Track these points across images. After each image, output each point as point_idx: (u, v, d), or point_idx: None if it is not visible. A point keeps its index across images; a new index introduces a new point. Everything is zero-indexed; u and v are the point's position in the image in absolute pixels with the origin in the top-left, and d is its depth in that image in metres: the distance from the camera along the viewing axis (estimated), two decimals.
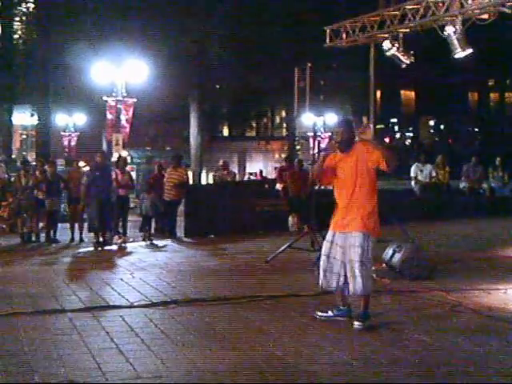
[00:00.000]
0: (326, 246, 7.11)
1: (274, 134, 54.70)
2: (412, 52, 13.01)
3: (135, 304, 7.97)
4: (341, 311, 7.22)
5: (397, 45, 12.66)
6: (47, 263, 12.09)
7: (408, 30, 12.48)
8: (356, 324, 6.89)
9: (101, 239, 14.20)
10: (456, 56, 11.67)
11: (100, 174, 14.42)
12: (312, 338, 6.50)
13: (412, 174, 19.96)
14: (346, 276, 6.92)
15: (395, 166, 6.93)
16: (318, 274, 7.16)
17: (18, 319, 7.22)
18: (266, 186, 19.81)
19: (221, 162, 20.60)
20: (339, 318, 7.18)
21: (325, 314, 7.29)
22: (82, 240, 15.01)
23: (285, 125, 53.51)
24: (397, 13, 12.20)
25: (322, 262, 7.10)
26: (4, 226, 16.27)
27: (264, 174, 38.17)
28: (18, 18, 38.29)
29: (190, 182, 21.91)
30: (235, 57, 33.06)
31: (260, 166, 48.95)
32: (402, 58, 12.85)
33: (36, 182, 15.05)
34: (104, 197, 14.26)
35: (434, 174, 19.54)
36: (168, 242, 15.05)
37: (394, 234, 11.43)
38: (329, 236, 7.11)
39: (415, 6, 11.74)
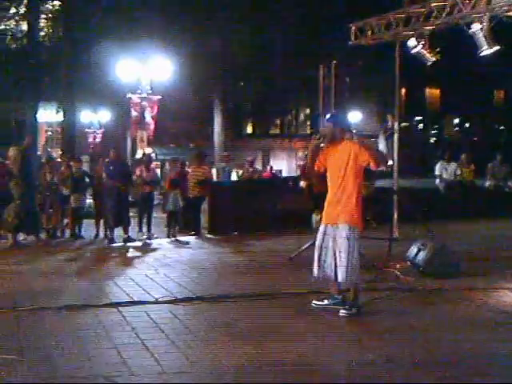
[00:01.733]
0: (319, 237, 7.44)
1: (298, 131, 54.51)
2: (438, 49, 12.92)
3: (160, 300, 8.01)
4: (335, 300, 7.49)
5: (422, 42, 12.57)
6: (72, 259, 12.16)
7: (434, 28, 12.38)
8: (341, 312, 7.22)
9: (120, 235, 14.28)
10: (482, 53, 11.57)
11: (114, 169, 14.50)
12: (335, 336, 6.50)
13: (437, 172, 19.85)
14: (335, 265, 7.24)
15: (383, 165, 7.29)
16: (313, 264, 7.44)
17: (43, 314, 7.29)
18: (290, 183, 19.76)
19: (249, 159, 20.66)
20: (334, 306, 7.39)
21: (320, 303, 7.56)
22: (106, 236, 15.09)
23: (309, 122, 53.36)
24: (422, 10, 12.11)
25: (316, 253, 7.42)
26: None
27: (274, 171, 37.75)
28: (43, 16, 38.56)
29: (214, 179, 21.90)
30: (259, 54, 33.03)
31: (284, 163, 48.92)
32: (427, 55, 12.76)
33: (61, 178, 15.14)
34: (119, 193, 14.32)
35: (458, 172, 19.42)
36: (192, 238, 15.09)
37: (419, 232, 11.41)
38: (322, 228, 7.45)
39: (441, 3, 11.64)
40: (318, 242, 7.43)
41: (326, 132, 7.53)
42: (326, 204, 7.49)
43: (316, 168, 7.66)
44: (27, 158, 13.79)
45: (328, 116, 8.12)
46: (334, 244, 7.25)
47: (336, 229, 7.26)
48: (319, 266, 7.36)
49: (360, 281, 7.45)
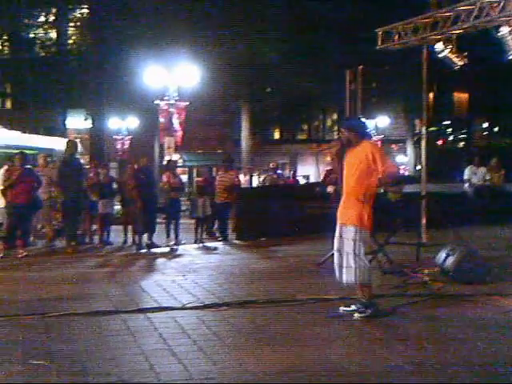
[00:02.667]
0: (336, 241, 7.48)
1: (326, 136, 54.38)
2: (465, 53, 12.83)
3: (187, 306, 8.03)
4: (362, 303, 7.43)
5: (450, 46, 12.48)
6: (100, 265, 12.24)
7: (461, 31, 12.29)
8: (355, 315, 7.25)
9: (144, 241, 14.34)
10: (511, 57, 11.46)
11: (144, 176, 14.56)
12: (364, 340, 6.47)
13: (466, 177, 19.72)
14: (342, 266, 7.33)
15: (387, 184, 7.28)
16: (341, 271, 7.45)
17: (71, 320, 7.33)
18: (317, 188, 19.72)
19: (271, 165, 20.64)
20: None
21: (348, 309, 7.50)
22: (134, 242, 15.14)
23: (336, 127, 53.26)
24: (450, 14, 12.02)
25: (335, 258, 7.49)
26: (58, 228, 16.49)
27: (297, 177, 37.60)
28: (72, 24, 38.91)
29: (241, 184, 21.92)
30: (286, 59, 33.02)
31: (312, 168, 48.84)
32: (455, 59, 12.67)
33: (89, 185, 15.24)
34: (148, 199, 14.39)
35: (487, 177, 19.27)
36: (219, 244, 15.12)
37: (447, 236, 11.33)
38: (337, 231, 7.49)
39: (469, 7, 11.55)
40: (335, 247, 7.50)
41: (344, 138, 7.55)
42: (340, 203, 7.52)
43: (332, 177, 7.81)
44: (69, 165, 13.90)
45: (344, 123, 8.19)
46: (341, 244, 7.33)
47: (345, 229, 7.32)
48: (343, 272, 7.41)
49: (373, 283, 7.43)
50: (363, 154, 7.27)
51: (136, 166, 15.30)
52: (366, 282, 7.28)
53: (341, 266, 7.38)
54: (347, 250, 7.25)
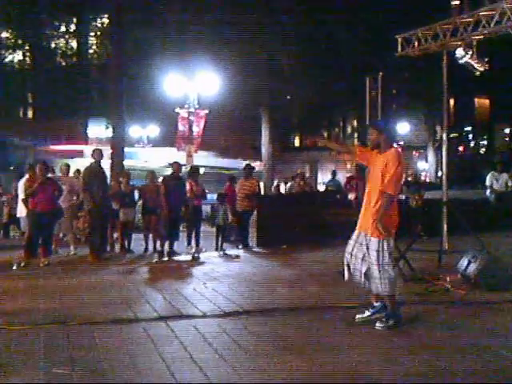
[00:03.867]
0: (350, 244, 7.40)
1: (346, 143, 54.31)
2: (486, 59, 12.75)
3: (208, 314, 8.03)
4: (375, 308, 7.42)
5: (470, 52, 12.40)
6: (121, 273, 12.27)
7: (482, 37, 12.21)
8: (377, 325, 7.16)
9: (166, 249, 14.36)
10: None
11: (175, 183, 14.58)
12: (385, 348, 6.43)
13: (487, 183, 19.57)
14: (366, 274, 7.21)
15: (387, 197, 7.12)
16: (343, 269, 7.46)
17: (93, 328, 7.35)
18: (338, 196, 19.68)
19: (299, 171, 20.63)
20: (377, 315, 7.32)
21: (362, 315, 7.47)
22: (155, 250, 15.17)
23: (356, 134, 53.18)
24: (470, 20, 11.96)
25: (345, 259, 7.41)
26: (79, 237, 16.60)
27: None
28: (92, 33, 39.21)
29: (262, 192, 21.90)
30: (306, 67, 33.03)
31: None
32: (475, 65, 12.58)
33: (111, 193, 15.30)
34: (176, 207, 14.42)
35: (510, 184, 19.14)
36: (240, 252, 15.12)
37: (469, 243, 11.25)
38: (354, 234, 7.39)
39: (490, 12, 11.47)
40: (347, 249, 7.41)
41: (371, 139, 7.43)
42: (361, 209, 7.44)
43: (357, 156, 7.70)
44: (95, 173, 13.98)
45: (374, 122, 8.05)
46: (364, 252, 7.22)
47: (368, 239, 7.20)
48: (348, 270, 7.38)
49: (396, 291, 7.32)
50: (385, 162, 7.16)
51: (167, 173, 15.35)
52: (389, 292, 7.19)
53: (350, 267, 7.34)
54: (371, 260, 7.15)
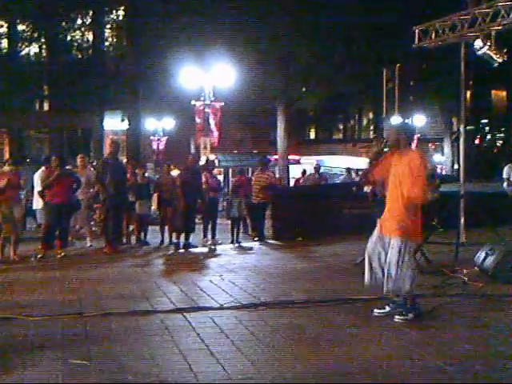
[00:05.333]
0: (370, 244, 7.35)
1: (362, 136, 54.16)
2: (505, 50, 12.63)
3: (225, 306, 8.03)
4: (396, 303, 7.35)
5: (489, 43, 12.29)
6: (138, 265, 12.30)
7: (500, 28, 12.10)
8: (396, 317, 7.14)
9: (182, 241, 14.37)
10: None
11: (190, 176, 14.59)
12: (402, 341, 6.40)
13: (504, 176, 19.42)
14: (386, 274, 7.15)
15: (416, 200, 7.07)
16: (364, 271, 7.40)
17: (110, 319, 7.38)
18: (354, 188, 19.62)
19: (315, 165, 20.58)
20: (396, 311, 7.26)
21: (382, 311, 7.42)
22: (171, 242, 15.19)
23: (372, 127, 53.03)
24: (489, 10, 11.85)
25: (366, 259, 7.36)
26: (95, 229, 16.64)
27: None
28: (108, 26, 39.24)
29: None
30: (322, 59, 32.90)
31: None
32: (494, 56, 12.46)
33: (126, 186, 15.31)
34: (192, 199, 14.43)
35: None
36: (256, 244, 15.12)
37: (486, 236, 11.19)
38: (375, 235, 7.34)
39: (509, 3, 11.37)
40: (368, 250, 7.35)
41: (390, 138, 7.39)
42: (384, 212, 7.38)
43: (369, 177, 7.65)
44: (112, 165, 14.00)
45: (394, 121, 8.01)
46: (386, 252, 7.17)
47: (388, 238, 7.17)
48: (371, 273, 7.29)
49: (414, 291, 7.24)
50: (408, 164, 7.08)
51: (183, 166, 15.36)
52: (407, 292, 7.13)
53: (372, 270, 7.28)
54: (390, 259, 7.10)
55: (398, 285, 7.07)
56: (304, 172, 23.64)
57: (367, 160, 7.61)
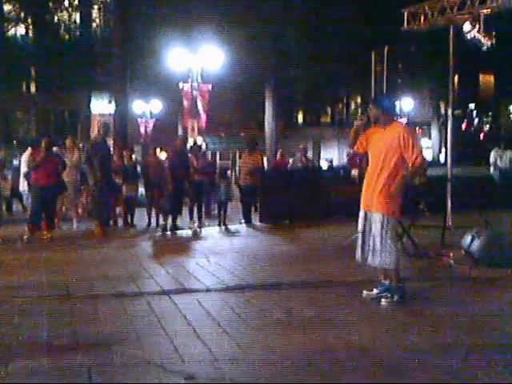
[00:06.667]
0: (360, 223, 7.36)
1: (350, 120, 54.16)
2: (493, 33, 12.61)
3: (211, 288, 8.03)
4: (384, 286, 7.34)
5: (477, 26, 12.26)
6: (125, 247, 12.27)
7: (490, 11, 12.06)
8: (382, 301, 7.17)
9: (169, 223, 14.35)
10: None
11: (178, 159, 14.56)
12: (389, 324, 6.43)
13: (491, 160, 19.54)
14: (372, 249, 7.20)
15: (413, 177, 7.19)
16: (356, 250, 7.40)
17: (96, 301, 7.36)
18: (341, 171, 19.66)
19: (301, 147, 20.52)
20: (384, 293, 7.26)
21: (370, 293, 7.43)
22: (158, 225, 15.17)
23: (360, 111, 53.02)
24: None
25: (359, 239, 7.37)
26: (81, 211, 16.59)
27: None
28: (95, 7, 39.01)
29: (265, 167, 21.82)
30: (310, 42, 32.85)
31: (335, 152, 48.64)
32: (482, 40, 12.44)
33: (113, 168, 15.26)
34: (180, 182, 14.40)
35: None
36: (243, 227, 15.11)
37: (473, 220, 11.22)
38: (361, 213, 7.35)
39: None
40: (359, 228, 7.38)
41: (371, 114, 7.36)
42: (363, 187, 7.38)
43: (355, 149, 7.62)
44: (100, 147, 13.92)
45: (374, 99, 7.98)
46: (371, 228, 7.20)
47: (371, 215, 7.18)
48: (362, 252, 7.31)
49: (400, 266, 7.29)
50: (395, 138, 7.03)
51: (171, 149, 15.33)
52: (392, 266, 7.15)
53: (364, 248, 7.29)
54: (374, 232, 7.13)
55: (383, 258, 7.09)
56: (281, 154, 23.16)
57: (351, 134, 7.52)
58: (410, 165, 7.00)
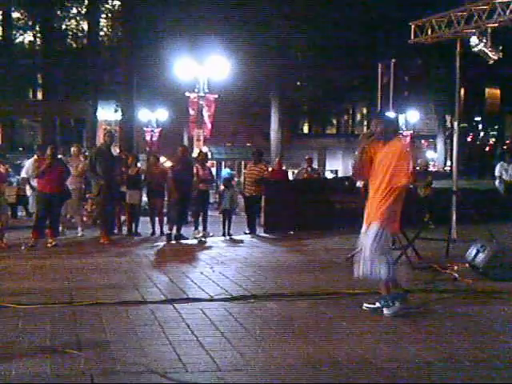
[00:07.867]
0: (361, 238, 7.31)
1: (355, 131, 54.18)
2: (500, 47, 12.63)
3: (215, 297, 8.02)
4: (385, 299, 7.25)
5: (485, 40, 12.28)
6: (128, 255, 12.27)
7: (497, 25, 12.09)
8: (385, 312, 7.12)
9: (174, 232, 14.34)
10: None
11: (182, 167, 14.56)
12: (392, 335, 6.41)
13: (496, 173, 19.54)
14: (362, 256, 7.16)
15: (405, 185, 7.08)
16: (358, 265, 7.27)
17: (100, 309, 7.35)
18: (347, 183, 19.64)
19: (306, 157, 20.51)
20: (386, 303, 7.21)
21: (372, 306, 7.37)
22: (162, 233, 15.17)
23: (366, 122, 53.04)
24: (485, 7, 11.85)
25: (358, 254, 7.31)
26: (86, 219, 16.61)
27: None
28: (103, 16, 39.14)
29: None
30: (317, 54, 32.90)
31: (340, 163, 48.68)
32: (489, 53, 12.46)
33: (127, 177, 15.28)
34: (185, 190, 14.40)
35: None
36: (247, 237, 15.10)
37: (478, 233, 11.21)
38: (363, 228, 7.30)
39: (505, 0, 11.38)
40: (360, 243, 7.32)
41: (374, 129, 7.33)
42: (367, 203, 7.34)
43: (360, 173, 7.60)
44: (106, 155, 13.94)
45: (380, 113, 7.96)
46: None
47: (370, 226, 7.13)
48: (359, 266, 7.23)
49: (393, 277, 7.21)
50: (394, 154, 7.04)
51: (175, 158, 15.33)
52: (386, 278, 7.10)
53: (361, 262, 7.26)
54: (366, 243, 7.09)
55: (374, 270, 7.03)
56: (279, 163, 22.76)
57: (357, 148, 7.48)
58: (397, 185, 7.01)
